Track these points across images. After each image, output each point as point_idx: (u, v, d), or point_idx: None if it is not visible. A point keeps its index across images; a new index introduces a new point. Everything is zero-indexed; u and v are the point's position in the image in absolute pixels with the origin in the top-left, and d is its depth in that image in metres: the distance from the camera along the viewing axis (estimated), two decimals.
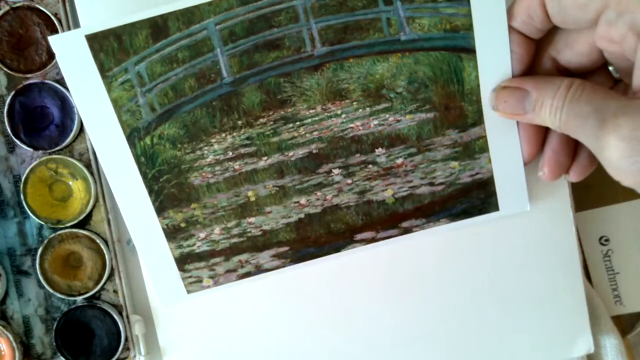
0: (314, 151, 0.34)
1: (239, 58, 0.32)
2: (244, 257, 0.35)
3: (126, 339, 0.37)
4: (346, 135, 0.34)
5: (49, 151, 0.36)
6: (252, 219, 0.35)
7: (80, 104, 0.32)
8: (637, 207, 0.40)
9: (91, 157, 0.37)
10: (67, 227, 0.37)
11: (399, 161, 0.34)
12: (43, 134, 0.36)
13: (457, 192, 0.35)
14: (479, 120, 0.33)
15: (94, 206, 0.37)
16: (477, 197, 0.35)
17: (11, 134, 0.36)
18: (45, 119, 0.37)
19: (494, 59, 0.32)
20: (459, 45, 0.32)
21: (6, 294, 0.37)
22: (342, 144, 0.34)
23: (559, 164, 0.32)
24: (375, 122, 0.33)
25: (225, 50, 0.31)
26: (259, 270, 0.35)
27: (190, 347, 0.37)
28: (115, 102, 0.32)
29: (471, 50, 0.32)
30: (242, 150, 0.33)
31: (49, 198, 0.37)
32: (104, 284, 0.37)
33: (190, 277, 0.35)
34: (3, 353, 0.36)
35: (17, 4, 0.36)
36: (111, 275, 0.37)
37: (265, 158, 0.34)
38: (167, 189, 0.33)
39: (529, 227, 0.36)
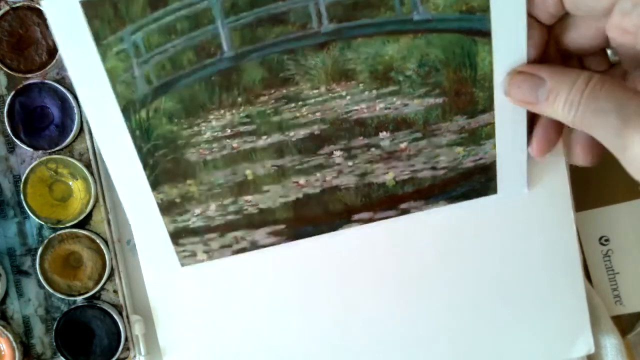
0: (316, 132, 0.33)
1: (241, 32, 0.30)
2: (239, 233, 0.35)
3: (126, 339, 0.37)
4: (350, 117, 0.32)
5: (49, 151, 0.36)
6: (249, 197, 0.34)
7: (74, 73, 0.30)
8: (637, 207, 0.40)
9: (91, 157, 0.37)
10: (67, 227, 0.37)
11: (403, 145, 0.33)
12: (43, 134, 0.36)
13: (458, 176, 0.34)
14: (489, 107, 0.32)
15: (94, 206, 0.37)
16: (478, 181, 0.35)
17: (11, 134, 0.36)
18: (45, 119, 0.37)
19: (510, 44, 0.30)
20: (475, 28, 0.30)
21: (6, 294, 0.37)
22: (345, 126, 0.33)
23: (548, 141, 0.32)
24: (382, 105, 0.32)
25: (226, 23, 0.30)
26: (254, 246, 0.35)
27: (190, 347, 0.37)
28: (110, 73, 0.30)
29: (486, 34, 0.30)
30: (241, 128, 0.32)
31: (49, 198, 0.37)
32: (104, 284, 0.37)
33: (184, 251, 0.35)
34: (3, 353, 0.36)
35: (17, 4, 0.36)
36: (111, 275, 0.37)
37: (264, 137, 0.33)
38: (163, 164, 0.32)
39: (529, 227, 0.36)
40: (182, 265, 0.35)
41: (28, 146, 0.36)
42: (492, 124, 0.33)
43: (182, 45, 0.30)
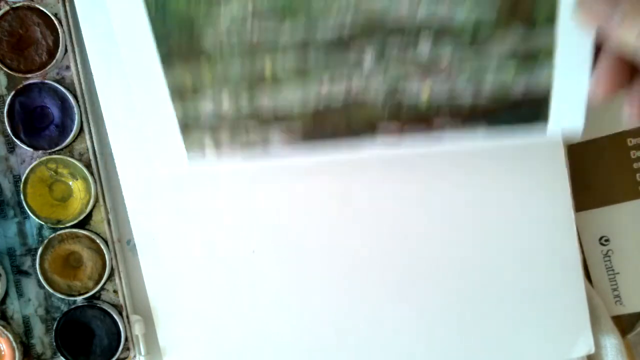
0: (347, 31, 0.29)
1: None
2: (251, 124, 0.31)
3: (126, 339, 0.37)
4: (388, 17, 0.28)
5: (49, 151, 0.36)
6: (265, 94, 0.30)
7: None
8: (637, 207, 0.40)
9: (91, 157, 0.37)
10: (67, 227, 0.37)
11: (445, 57, 0.29)
12: (43, 134, 0.36)
13: (504, 103, 0.30)
14: (550, 21, 0.27)
15: (94, 206, 0.37)
16: (527, 108, 0.30)
17: (11, 134, 0.36)
18: (45, 119, 0.37)
19: None
20: None
21: (6, 294, 0.37)
22: (381, 26, 0.28)
23: (613, 82, 0.27)
24: (426, 8, 0.28)
25: None
26: (266, 143, 0.31)
27: (190, 347, 0.37)
28: None
29: None
30: (266, 16, 0.29)
31: (49, 198, 0.37)
32: (104, 284, 0.37)
33: (192, 142, 0.32)
34: (3, 353, 0.36)
35: (17, 4, 0.36)
36: (111, 275, 0.37)
37: (290, 30, 0.29)
38: (176, 44, 0.29)
39: (529, 227, 0.36)
40: (190, 162, 0.32)
41: (28, 146, 0.36)
42: (551, 45, 0.28)
43: None
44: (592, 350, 0.37)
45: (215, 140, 0.32)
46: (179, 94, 0.31)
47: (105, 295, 0.37)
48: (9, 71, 0.36)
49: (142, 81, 0.31)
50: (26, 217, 0.37)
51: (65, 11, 0.36)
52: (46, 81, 0.36)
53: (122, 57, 0.30)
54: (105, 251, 0.36)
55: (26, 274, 0.37)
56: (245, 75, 0.30)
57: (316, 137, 0.31)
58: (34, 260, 0.37)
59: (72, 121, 0.36)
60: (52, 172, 0.37)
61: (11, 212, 0.37)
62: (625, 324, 0.41)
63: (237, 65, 0.30)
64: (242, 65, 0.30)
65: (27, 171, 0.36)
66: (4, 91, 0.37)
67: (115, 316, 0.36)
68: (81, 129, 0.37)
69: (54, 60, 0.36)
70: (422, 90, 0.30)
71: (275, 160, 0.32)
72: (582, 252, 0.40)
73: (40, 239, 0.37)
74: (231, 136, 0.31)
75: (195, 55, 0.30)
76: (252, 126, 0.31)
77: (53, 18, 0.36)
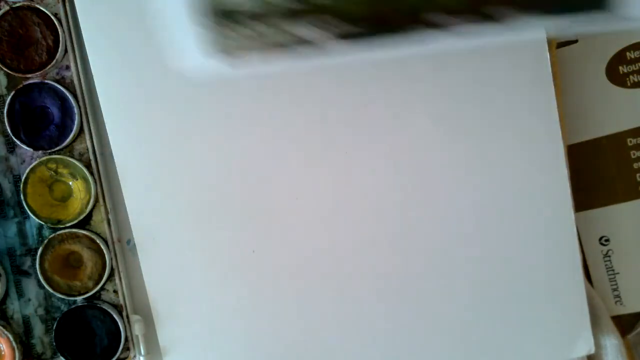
0: None
1: None
2: (292, 26, 0.28)
3: (126, 339, 0.37)
4: None
5: (49, 151, 0.36)
6: None
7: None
8: (637, 207, 0.40)
9: (91, 157, 0.37)
10: (67, 227, 0.36)
11: None
12: (43, 134, 0.36)
13: None
14: None
15: (94, 206, 0.37)
16: None
17: (11, 134, 0.36)
18: (45, 119, 0.37)
19: None
20: None
21: (6, 294, 0.37)
22: None
23: None
24: None
25: None
26: (305, 42, 0.28)
27: (190, 347, 0.37)
28: None
29: None
30: None
31: (49, 198, 0.37)
32: (104, 284, 0.37)
33: (222, 39, 0.28)
34: (3, 353, 0.36)
35: (17, 4, 0.36)
36: (111, 275, 0.37)
37: None
38: None
39: (529, 227, 0.36)
40: (220, 55, 0.29)
41: (28, 146, 0.36)
42: None
43: None
44: (592, 351, 0.37)
45: (248, 37, 0.28)
46: None
47: (105, 295, 0.37)
48: (9, 71, 0.36)
49: None
50: (26, 217, 0.37)
51: (65, 11, 0.36)
52: (46, 81, 0.36)
53: None
54: (105, 251, 0.36)
55: (26, 274, 0.37)
56: None
57: (350, 32, 0.28)
58: (34, 260, 0.37)
59: (72, 121, 0.36)
60: (52, 172, 0.37)
61: (11, 212, 0.37)
62: (625, 324, 0.41)
63: None
64: None
65: (27, 171, 0.36)
66: (4, 91, 0.37)
67: (115, 316, 0.36)
68: (81, 129, 0.37)
69: (54, 60, 0.36)
70: None
71: (313, 61, 0.29)
72: (582, 252, 0.40)
73: (40, 239, 0.37)
74: (270, 34, 0.28)
75: None
76: (285, 21, 0.28)
77: (53, 18, 0.36)
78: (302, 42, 0.28)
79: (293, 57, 0.29)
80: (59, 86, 0.36)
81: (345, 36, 0.28)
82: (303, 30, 0.28)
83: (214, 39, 0.28)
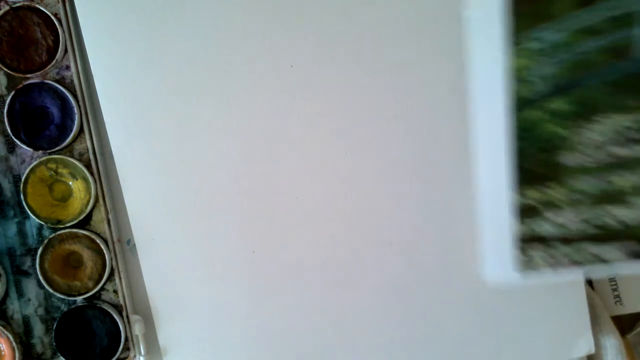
0: None
1: None
2: (590, 247, 0.32)
3: (126, 339, 0.37)
4: None
5: (49, 151, 0.36)
6: (611, 208, 0.31)
7: (475, 61, 0.31)
8: None
9: (91, 157, 0.37)
10: (67, 227, 0.37)
11: None
12: (43, 134, 0.36)
13: None
14: None
15: (94, 206, 0.37)
16: None
17: (11, 134, 0.36)
18: (45, 119, 0.37)
19: None
20: None
21: (6, 294, 0.37)
22: None
23: None
24: None
25: None
26: (601, 261, 0.32)
27: (190, 347, 0.37)
28: (514, 69, 0.30)
29: None
30: (629, 135, 0.30)
31: (49, 198, 0.37)
32: (104, 284, 0.37)
33: (524, 257, 0.32)
34: (3, 353, 0.36)
35: (17, 4, 0.36)
36: (111, 275, 0.37)
37: None
38: (533, 165, 0.31)
39: None
40: (519, 272, 0.32)
41: (28, 146, 0.36)
42: None
43: (595, 46, 0.30)
44: (592, 350, 0.37)
45: (549, 255, 0.32)
46: (521, 211, 0.32)
47: (105, 295, 0.37)
48: (9, 71, 0.36)
49: (490, 199, 0.32)
50: (26, 217, 0.37)
51: (65, 11, 0.36)
52: (46, 81, 0.36)
53: (478, 171, 0.32)
54: (105, 251, 0.36)
55: (26, 274, 0.37)
56: (596, 193, 0.31)
57: None
58: (34, 260, 0.37)
59: (72, 121, 0.36)
60: (52, 172, 0.37)
61: (11, 212, 0.37)
62: (625, 324, 0.41)
63: (589, 184, 0.31)
64: (593, 184, 0.31)
65: (27, 171, 0.36)
66: (4, 91, 0.37)
67: (115, 316, 0.36)
68: (81, 129, 0.37)
69: (54, 60, 0.36)
70: None
71: (607, 270, 0.32)
72: None
73: (40, 239, 0.37)
74: (566, 250, 0.32)
75: (549, 176, 0.31)
76: (591, 243, 0.32)
77: (53, 18, 0.36)
78: (599, 260, 0.32)
79: (583, 271, 0.32)
80: (59, 86, 0.36)
81: (636, 255, 0.32)
82: (604, 252, 0.31)
83: (522, 259, 0.32)
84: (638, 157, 0.31)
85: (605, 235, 0.32)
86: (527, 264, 0.32)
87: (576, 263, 0.32)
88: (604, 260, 0.32)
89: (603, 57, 0.30)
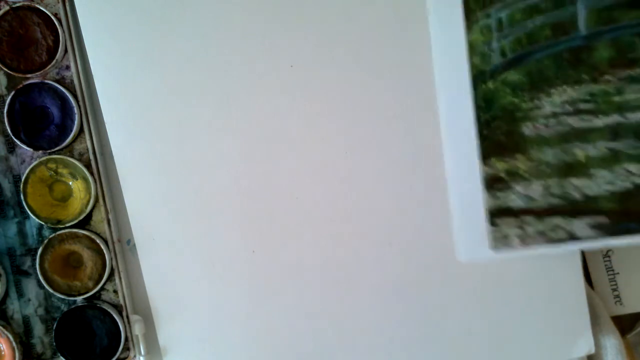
0: None
1: (598, 13, 0.31)
2: (557, 220, 0.33)
3: (126, 339, 0.37)
4: None
5: (49, 151, 0.36)
6: (575, 180, 0.32)
7: (436, 41, 0.33)
8: None
9: (91, 157, 0.37)
10: (67, 227, 0.37)
11: None
12: (43, 134, 0.36)
13: None
14: None
15: (94, 206, 0.37)
16: None
17: (11, 134, 0.36)
18: (45, 119, 0.37)
19: None
20: None
21: (6, 294, 0.37)
22: None
23: None
24: None
25: (587, 4, 0.31)
26: (571, 238, 0.33)
27: (190, 347, 0.37)
28: (470, 44, 0.32)
29: None
30: (581, 106, 0.32)
31: (49, 198, 0.37)
32: (104, 284, 0.37)
33: (497, 232, 0.33)
34: (3, 353, 0.36)
35: (17, 4, 0.36)
36: (111, 275, 0.37)
37: (602, 117, 0.32)
38: (496, 136, 0.33)
39: None
40: (493, 248, 0.33)
41: (28, 146, 0.36)
42: None
43: (540, 22, 0.32)
44: (592, 350, 0.37)
45: (520, 229, 0.33)
46: (491, 184, 0.33)
47: (105, 295, 0.37)
48: (9, 71, 0.36)
49: (459, 172, 0.33)
50: (26, 217, 0.37)
51: (65, 11, 0.36)
52: (46, 81, 0.36)
53: (444, 149, 0.33)
54: (105, 251, 0.36)
55: (26, 274, 0.37)
56: (557, 164, 0.32)
57: (622, 227, 0.32)
58: (34, 260, 0.37)
59: (72, 121, 0.36)
60: (52, 172, 0.37)
61: (11, 212, 0.37)
62: (625, 324, 0.41)
63: (550, 155, 0.32)
64: (554, 155, 0.32)
65: (27, 171, 0.36)
66: (4, 91, 0.37)
67: (115, 316, 0.36)
68: (81, 129, 0.37)
69: (54, 60, 0.36)
70: None
71: (579, 245, 0.33)
72: (582, 252, 0.40)
73: (40, 239, 0.37)
74: (537, 226, 0.33)
75: (512, 146, 0.32)
76: (559, 215, 0.33)
77: (53, 18, 0.36)
78: (570, 236, 0.33)
79: (553, 246, 0.33)
80: (59, 86, 0.36)
81: (603, 229, 0.32)
82: (573, 226, 0.32)
83: (495, 235, 0.33)
84: (591, 127, 0.32)
85: (572, 208, 0.32)
86: (500, 240, 0.33)
87: (548, 239, 0.33)
88: (575, 237, 0.32)
89: (548, 32, 0.32)
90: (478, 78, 0.32)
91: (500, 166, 0.33)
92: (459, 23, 0.32)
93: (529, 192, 0.33)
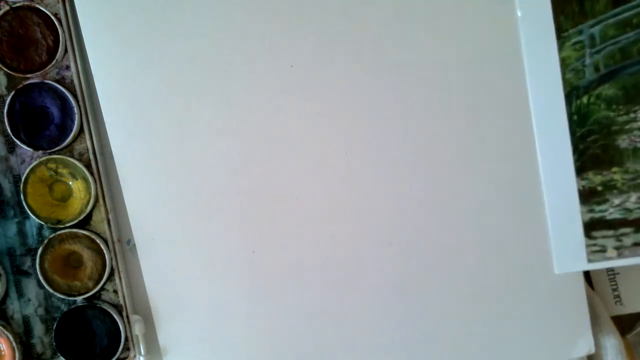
0: None
1: None
2: None
3: (126, 339, 0.37)
4: None
5: (49, 151, 0.36)
6: None
7: (529, 59, 0.34)
8: None
9: (91, 157, 0.37)
10: (67, 227, 0.36)
11: None
12: (43, 134, 0.36)
13: None
14: None
15: (94, 206, 0.37)
16: None
17: (11, 134, 0.36)
18: (45, 119, 0.37)
19: None
20: None
21: (6, 294, 0.37)
22: None
23: None
24: None
25: None
26: None
27: (190, 347, 0.37)
28: (563, 61, 0.33)
29: None
30: None
31: (49, 198, 0.37)
32: (104, 284, 0.37)
33: (594, 245, 0.35)
34: (3, 353, 0.36)
35: (17, 4, 0.36)
36: (111, 275, 0.37)
37: None
38: (592, 149, 0.34)
39: (530, 228, 0.36)
40: (589, 261, 0.35)
41: (28, 146, 0.36)
42: None
43: (634, 38, 0.33)
44: (592, 350, 0.37)
45: (617, 241, 0.34)
46: (587, 197, 0.34)
47: (105, 295, 0.37)
48: (9, 71, 0.36)
49: (554, 185, 0.34)
50: (26, 217, 0.37)
51: (65, 11, 0.36)
52: (46, 81, 0.36)
53: (539, 162, 0.35)
54: (105, 251, 0.36)
55: (26, 274, 0.37)
56: None
57: None
58: (34, 260, 0.37)
59: (72, 121, 0.36)
60: (52, 172, 0.37)
61: (11, 212, 0.37)
62: (625, 324, 0.41)
63: None
64: None
65: (27, 171, 0.36)
66: (4, 91, 0.37)
67: (115, 316, 0.36)
68: (81, 129, 0.37)
69: (54, 60, 0.36)
70: None
71: None
72: None
73: (40, 239, 0.37)
74: (635, 237, 0.34)
75: (608, 159, 0.34)
76: None
77: (53, 18, 0.36)
78: None
79: None
80: (59, 86, 0.36)
81: None
82: None
83: (591, 246, 0.34)
84: None
85: None
86: (596, 253, 0.34)
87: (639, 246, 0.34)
88: None
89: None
90: (572, 93, 0.33)
91: (596, 179, 0.34)
92: (551, 41, 0.33)
93: (626, 204, 0.34)
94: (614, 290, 0.40)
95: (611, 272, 0.40)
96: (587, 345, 0.37)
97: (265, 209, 0.37)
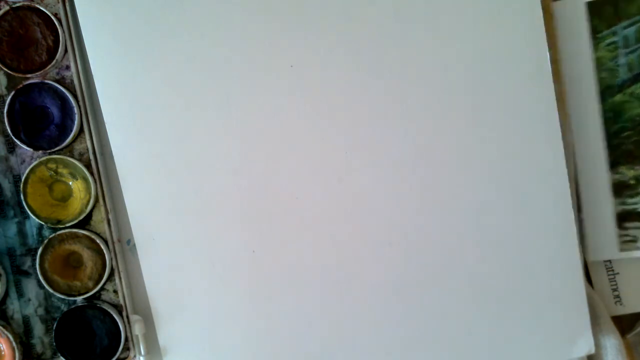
0: None
1: None
2: None
3: (126, 339, 0.37)
4: None
5: (49, 151, 0.36)
6: None
7: (565, 60, 0.35)
8: None
9: (91, 157, 0.37)
10: (67, 227, 0.37)
11: None
12: (43, 134, 0.36)
13: None
14: None
15: (94, 206, 0.37)
16: None
17: (11, 134, 0.36)
18: (45, 119, 0.37)
19: None
20: None
21: (6, 294, 0.37)
22: None
23: None
24: None
25: None
26: None
27: (190, 347, 0.37)
28: (597, 61, 0.35)
29: None
30: None
31: (49, 198, 0.37)
32: (104, 284, 0.37)
33: (626, 235, 0.36)
34: (3, 353, 0.36)
35: (17, 4, 0.36)
36: (111, 275, 0.37)
37: None
38: (625, 145, 0.35)
39: (530, 228, 0.36)
40: (621, 250, 0.37)
41: (28, 146, 0.36)
42: None
43: None
44: (592, 350, 0.37)
45: None
46: (620, 190, 0.36)
47: (105, 295, 0.37)
48: (9, 71, 0.36)
49: (588, 179, 0.36)
50: (26, 217, 0.37)
51: (65, 11, 0.36)
52: (46, 81, 0.36)
53: (577, 156, 0.37)
54: (105, 251, 0.36)
55: (26, 274, 0.37)
56: None
57: None
58: (34, 260, 0.37)
59: (72, 121, 0.36)
60: (52, 172, 0.37)
61: (11, 212, 0.37)
62: (625, 324, 0.41)
63: None
64: None
65: (27, 171, 0.36)
66: (4, 91, 0.37)
67: (115, 316, 0.36)
68: (81, 129, 0.37)
69: (54, 60, 0.36)
70: None
71: None
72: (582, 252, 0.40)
73: (40, 239, 0.37)
74: None
75: None
76: None
77: (53, 18, 0.36)
78: None
79: None
80: (59, 86, 0.36)
81: None
82: None
83: (623, 237, 0.37)
84: None
85: None
86: (628, 242, 0.36)
87: None
88: None
89: None
90: (606, 92, 0.35)
91: (629, 173, 0.35)
92: (586, 41, 0.35)
93: None
94: (614, 290, 0.40)
95: (611, 272, 0.40)
96: (587, 345, 0.37)
97: (265, 209, 0.37)
